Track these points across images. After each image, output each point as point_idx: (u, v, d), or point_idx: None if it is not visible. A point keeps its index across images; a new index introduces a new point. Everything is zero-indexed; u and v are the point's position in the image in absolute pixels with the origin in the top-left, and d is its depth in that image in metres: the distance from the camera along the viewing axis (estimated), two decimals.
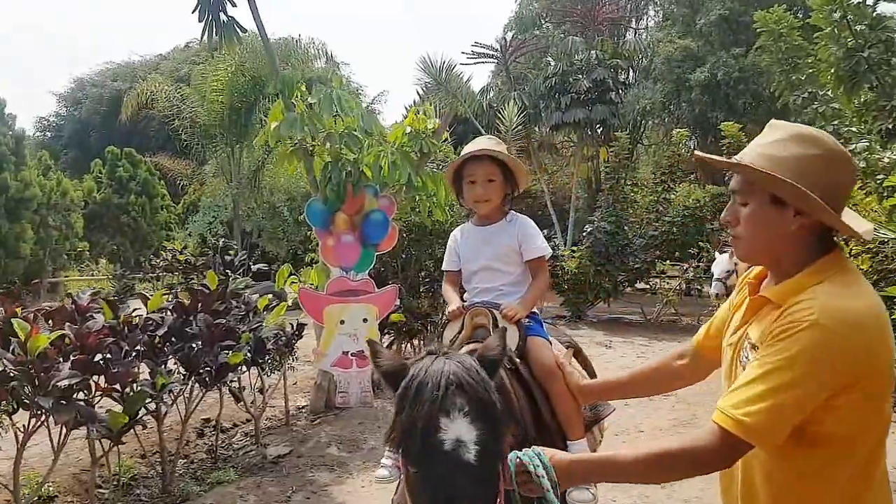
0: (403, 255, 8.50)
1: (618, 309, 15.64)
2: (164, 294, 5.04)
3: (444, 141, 7.75)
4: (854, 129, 6.88)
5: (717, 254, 9.26)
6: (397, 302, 7.06)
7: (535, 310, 2.60)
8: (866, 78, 5.91)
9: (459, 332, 2.41)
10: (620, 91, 20.77)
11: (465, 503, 1.35)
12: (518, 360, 2.33)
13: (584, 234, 13.82)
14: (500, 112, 17.42)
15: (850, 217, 1.48)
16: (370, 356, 1.61)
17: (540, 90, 19.71)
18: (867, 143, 6.57)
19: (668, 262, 13.94)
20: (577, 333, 11.84)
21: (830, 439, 1.40)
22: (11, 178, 13.93)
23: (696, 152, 1.73)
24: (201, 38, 6.78)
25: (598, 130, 20.87)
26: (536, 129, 21.15)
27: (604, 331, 12.58)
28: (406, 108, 20.00)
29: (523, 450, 1.50)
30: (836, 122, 7.03)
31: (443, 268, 2.81)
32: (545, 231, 15.58)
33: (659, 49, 21.27)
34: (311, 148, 6.65)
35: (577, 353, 2.98)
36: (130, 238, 17.05)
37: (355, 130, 6.31)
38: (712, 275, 9.31)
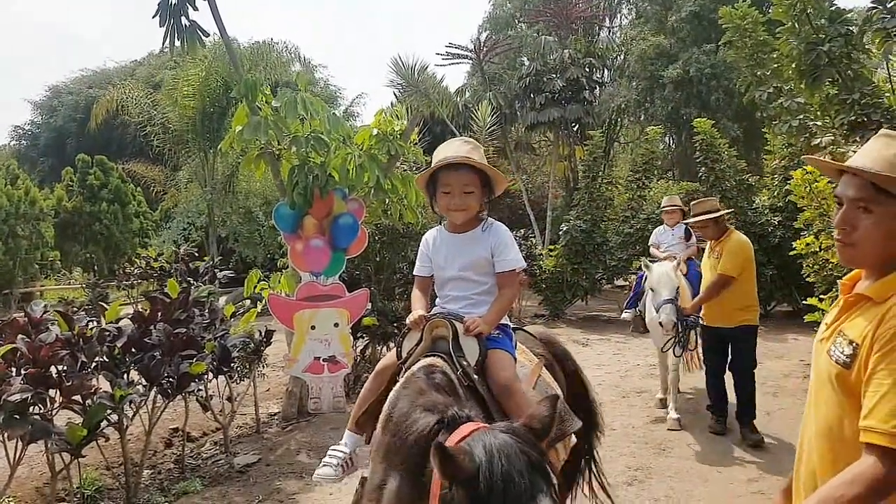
0: (377, 259, 8.45)
1: (596, 306, 15.70)
2: (122, 304, 4.93)
3: (414, 143, 7.71)
4: (819, 123, 6.98)
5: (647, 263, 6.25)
6: (369, 306, 7.00)
7: (506, 321, 2.56)
8: (827, 72, 5.98)
9: (418, 344, 2.36)
10: (595, 89, 20.89)
11: None
12: (475, 375, 2.26)
13: (560, 233, 13.85)
14: (474, 112, 17.42)
15: None
16: (439, 466, 1.41)
17: (515, 90, 19.76)
18: (832, 137, 6.67)
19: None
20: (555, 332, 11.85)
21: None
22: None
23: (810, 157, 1.80)
24: (163, 43, 6.69)
25: (574, 129, 20.96)
26: (512, 128, 21.20)
27: (581, 329, 12.62)
28: (383, 111, 19.87)
29: None
30: (801, 117, 7.13)
31: (414, 273, 2.75)
32: (523, 231, 15.66)
33: (632, 47, 21.46)
34: (277, 152, 6.58)
35: (551, 366, 2.93)
36: (103, 246, 16.78)
37: (322, 133, 6.25)
38: (646, 291, 6.35)
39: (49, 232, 16.24)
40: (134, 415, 4.38)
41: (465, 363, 2.22)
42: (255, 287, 6.94)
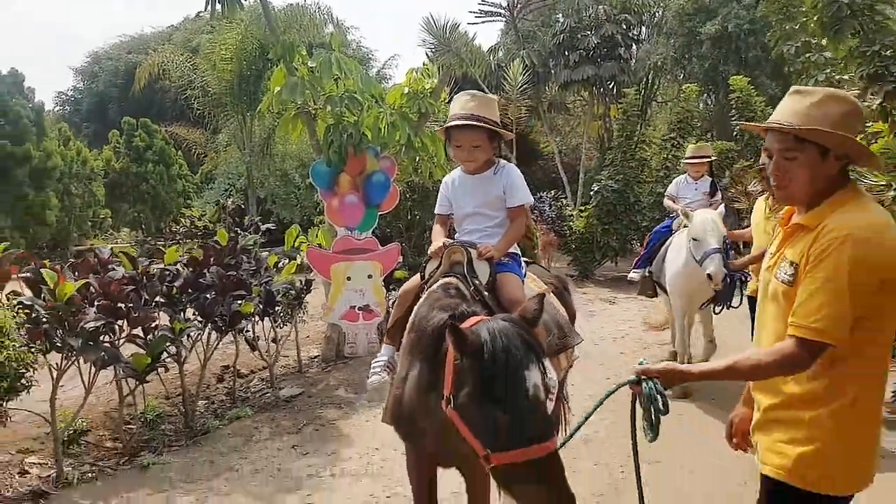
0: (408, 216, 8.82)
1: (625, 267, 15.80)
2: (178, 251, 5.42)
3: (445, 102, 7.97)
4: (846, 76, 7.00)
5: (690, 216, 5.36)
6: (400, 259, 7.41)
7: (516, 251, 2.91)
8: (849, 24, 5.99)
9: (438, 268, 2.72)
10: (631, 47, 20.55)
11: (551, 428, 1.78)
12: (487, 292, 2.62)
13: (592, 193, 13.95)
14: (507, 72, 17.42)
15: None
16: (453, 341, 1.80)
17: (548, 48, 19.58)
18: (858, 91, 6.71)
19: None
20: (583, 291, 12.15)
21: (868, 326, 1.73)
22: (34, 149, 14.41)
23: (745, 123, 2.10)
24: (205, 6, 7.04)
25: (609, 87, 20.75)
26: (546, 88, 21.06)
27: (609, 288, 12.85)
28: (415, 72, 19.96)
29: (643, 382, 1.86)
30: (827, 71, 7.14)
31: (435, 211, 3.09)
32: (554, 192, 15.78)
33: (670, 2, 20.96)
34: (313, 112, 6.93)
35: (560, 294, 3.31)
36: (150, 205, 17.54)
37: (355, 93, 6.57)
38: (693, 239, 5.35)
39: (100, 191, 17.05)
40: (191, 348, 4.89)
41: (477, 282, 2.59)
42: (295, 242, 7.40)
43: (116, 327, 4.29)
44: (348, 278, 6.99)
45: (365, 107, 6.68)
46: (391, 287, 8.17)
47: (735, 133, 12.85)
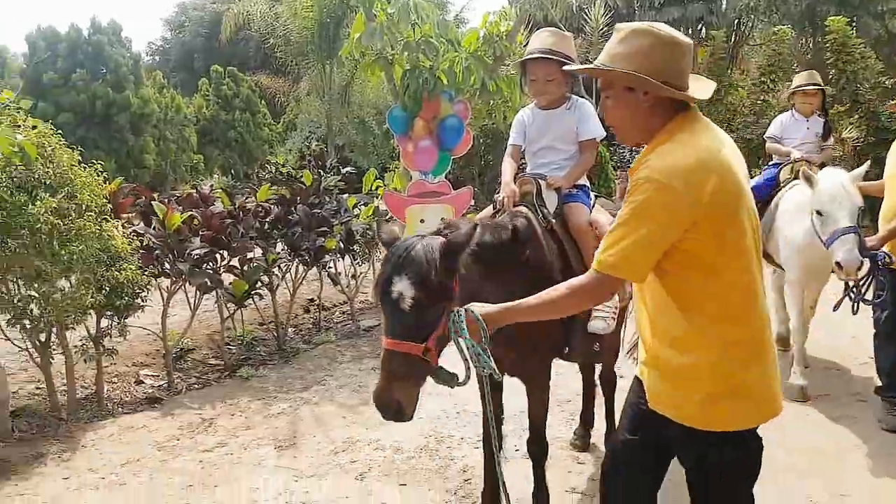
0: (481, 161, 9.01)
1: None
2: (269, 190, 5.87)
3: (522, 44, 7.98)
4: None
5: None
6: (472, 203, 7.64)
7: (585, 183, 3.09)
8: None
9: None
10: None
11: (398, 332, 1.93)
12: (554, 220, 2.83)
13: None
14: (587, 14, 16.98)
15: (693, 82, 1.82)
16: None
17: None
18: None
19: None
20: None
21: (692, 267, 1.72)
22: (133, 97, 15.37)
23: (567, 67, 2.07)
24: None
25: (696, 30, 19.85)
26: None
27: None
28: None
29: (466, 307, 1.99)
30: None
31: (509, 142, 3.26)
32: None
33: None
34: (390, 58, 7.15)
35: None
36: (238, 152, 18.41)
37: (431, 38, 6.73)
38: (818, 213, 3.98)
39: (193, 137, 18.04)
40: (282, 278, 5.38)
41: (545, 211, 2.82)
42: (372, 185, 7.76)
43: (218, 257, 4.79)
44: (422, 221, 7.26)
45: (440, 51, 6.83)
46: None
47: (831, 77, 12.14)
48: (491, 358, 1.93)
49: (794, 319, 4.57)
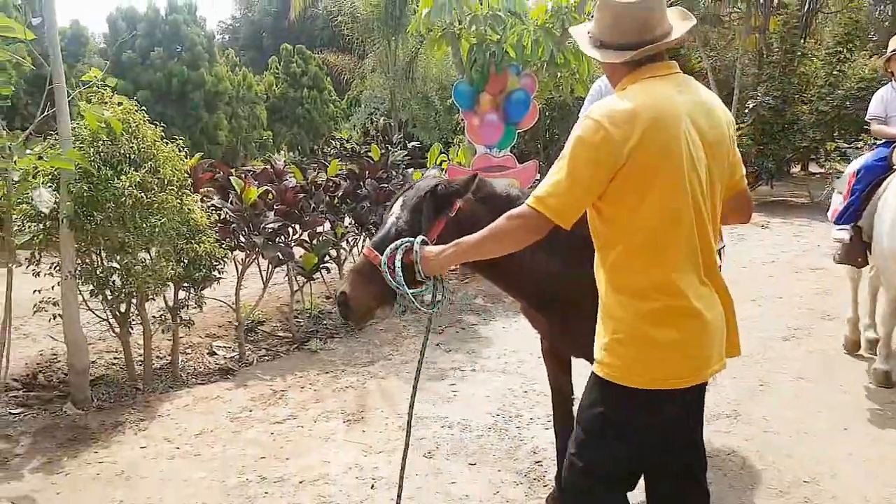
0: (545, 135, 8.85)
1: (782, 191, 14.81)
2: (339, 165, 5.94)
3: (589, 15, 7.70)
4: None
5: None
6: (537, 177, 7.53)
7: None
8: None
9: None
10: None
11: (374, 241, 2.19)
12: None
13: (746, 110, 13.03)
14: None
15: (677, 21, 1.86)
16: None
17: None
18: None
19: (844, 140, 12.82)
20: None
21: (615, 217, 1.74)
22: (207, 75, 15.83)
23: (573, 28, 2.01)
24: None
25: None
26: (699, 0, 19.44)
27: (763, 212, 12.13)
28: None
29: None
30: None
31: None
32: None
33: None
34: (457, 32, 7.07)
35: None
36: (305, 128, 18.73)
37: (499, 11, 6.61)
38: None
39: (263, 114, 18.48)
40: (349, 251, 5.45)
41: None
42: (437, 159, 7.75)
43: (290, 230, 4.90)
44: None
45: (508, 25, 6.71)
46: None
47: None
48: (428, 295, 2.09)
49: (884, 305, 4.20)
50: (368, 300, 2.14)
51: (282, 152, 19.71)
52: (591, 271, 1.88)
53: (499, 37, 6.76)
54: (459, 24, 6.92)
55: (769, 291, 6.45)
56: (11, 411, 3.96)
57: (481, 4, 6.65)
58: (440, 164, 7.77)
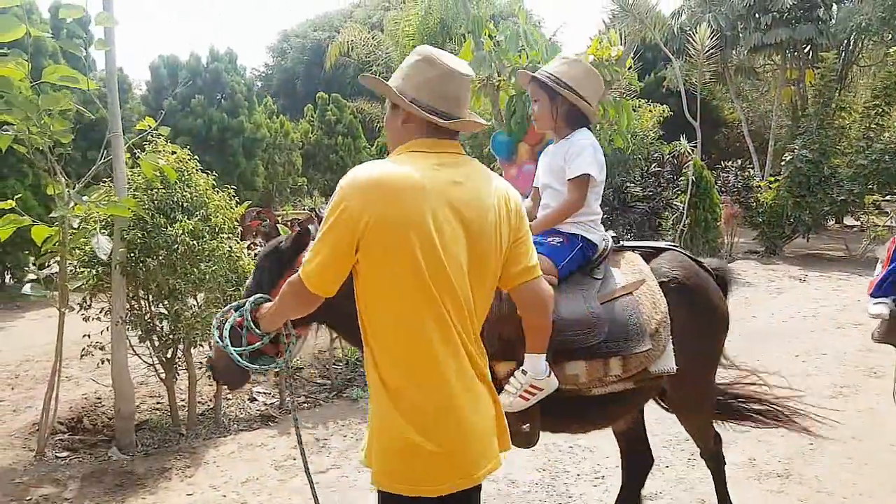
0: None
1: (818, 245, 14.57)
2: None
3: (629, 68, 7.81)
4: None
5: None
6: None
7: (577, 230, 2.47)
8: None
9: None
10: (831, 7, 18.49)
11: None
12: None
13: (783, 163, 12.97)
14: (691, 36, 16.49)
15: (470, 116, 1.76)
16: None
17: (737, 10, 18.20)
18: None
19: (879, 194, 12.64)
20: (771, 268, 11.41)
21: (361, 295, 1.62)
22: (246, 122, 16.24)
23: (363, 75, 1.92)
24: None
25: (804, 51, 18.86)
26: (733, 52, 19.61)
27: (800, 266, 11.91)
28: (590, 40, 19.46)
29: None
30: None
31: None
32: (740, 161, 14.82)
33: None
34: (497, 83, 7.19)
35: (678, 289, 2.54)
36: (339, 174, 18.86)
37: (539, 63, 6.72)
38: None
39: (298, 161, 18.83)
40: None
41: None
42: None
43: None
44: None
45: None
46: None
47: None
48: (252, 354, 1.96)
49: None
50: (223, 357, 2.00)
51: (314, 198, 20.03)
52: None
53: None
54: (499, 75, 7.04)
55: (812, 347, 6.28)
56: (58, 455, 3.97)
57: (521, 56, 6.77)
58: None
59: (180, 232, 3.99)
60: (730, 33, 18.38)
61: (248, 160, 15.95)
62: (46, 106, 3.53)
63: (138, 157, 4.08)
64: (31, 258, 8.21)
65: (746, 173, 13.83)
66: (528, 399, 2.17)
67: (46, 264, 4.15)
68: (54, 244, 3.82)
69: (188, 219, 4.11)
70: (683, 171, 10.86)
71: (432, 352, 1.57)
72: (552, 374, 2.16)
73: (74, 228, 3.82)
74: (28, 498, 3.43)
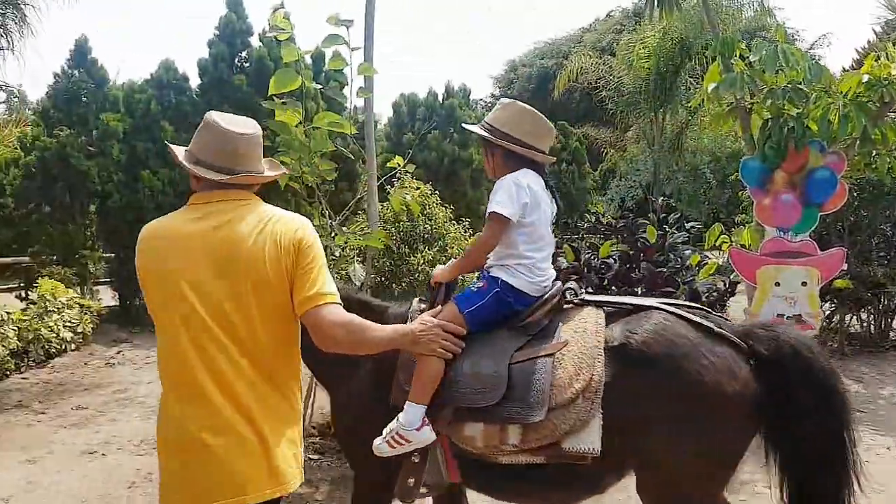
0: (852, 217, 7.68)
1: None
2: (611, 245, 5.77)
3: None
4: None
5: None
6: (844, 267, 6.51)
7: (494, 273, 2.43)
8: None
9: None
10: None
11: None
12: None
13: None
14: None
15: (266, 167, 2.08)
16: None
17: None
18: None
19: None
20: None
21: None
22: (475, 153, 17.06)
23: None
24: (645, 9, 7.27)
25: None
26: None
27: None
28: (857, 52, 17.06)
29: None
30: None
31: None
32: None
33: None
34: (749, 106, 6.58)
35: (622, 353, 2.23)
36: (565, 203, 18.94)
37: (800, 83, 6.01)
38: None
39: None
40: None
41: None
42: (716, 241, 7.15)
43: None
44: (777, 284, 6.45)
45: (811, 98, 6.04)
46: (827, 298, 7.26)
47: None
48: None
49: None
50: None
51: None
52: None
53: (799, 111, 6.10)
54: (752, 97, 6.42)
55: None
56: (310, 457, 4.37)
57: (778, 77, 6.10)
58: (719, 245, 7.18)
59: (421, 262, 4.21)
60: None
61: (473, 190, 16.66)
62: (317, 148, 3.95)
63: (387, 191, 4.41)
64: None
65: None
66: (395, 448, 2.20)
67: None
68: None
69: (428, 249, 4.33)
70: None
71: (196, 380, 1.82)
72: (428, 428, 2.19)
73: (334, 256, 4.22)
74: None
